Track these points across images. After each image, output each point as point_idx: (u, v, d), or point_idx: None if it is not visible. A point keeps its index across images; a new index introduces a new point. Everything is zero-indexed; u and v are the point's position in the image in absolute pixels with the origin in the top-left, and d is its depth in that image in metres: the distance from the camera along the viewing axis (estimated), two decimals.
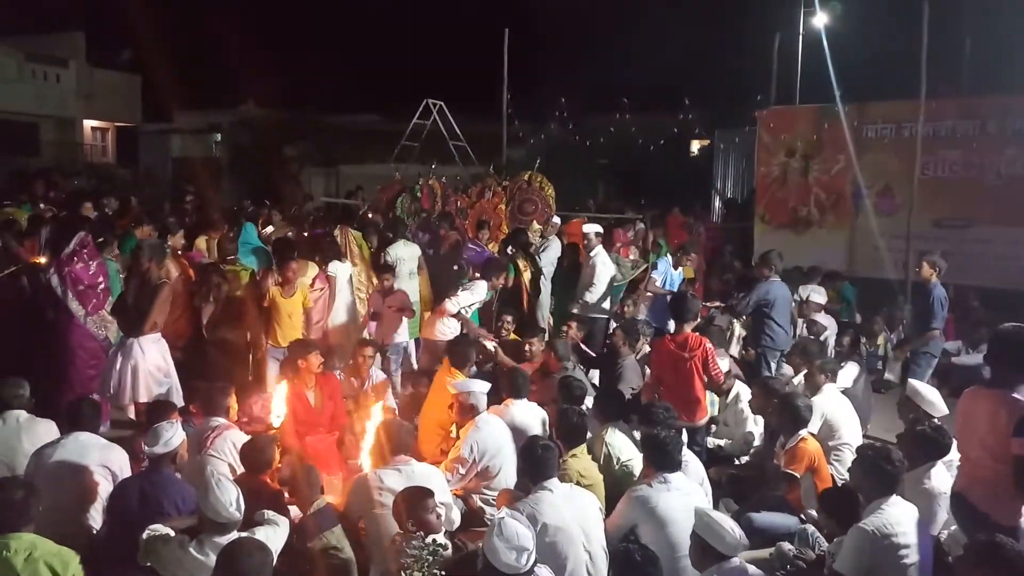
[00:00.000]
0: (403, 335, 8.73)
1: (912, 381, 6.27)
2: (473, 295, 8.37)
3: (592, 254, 9.56)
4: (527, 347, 7.65)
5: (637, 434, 5.89)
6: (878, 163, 12.20)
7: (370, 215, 12.79)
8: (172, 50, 19.39)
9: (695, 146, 25.95)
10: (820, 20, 14.28)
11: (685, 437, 6.12)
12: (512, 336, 8.26)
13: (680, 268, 10.66)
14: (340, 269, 8.61)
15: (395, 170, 14.06)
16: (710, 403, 6.87)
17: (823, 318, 9.74)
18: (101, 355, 7.09)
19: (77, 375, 7.01)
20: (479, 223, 11.06)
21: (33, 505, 3.96)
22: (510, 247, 9.84)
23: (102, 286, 7.24)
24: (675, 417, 5.71)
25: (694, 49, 21.48)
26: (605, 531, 4.70)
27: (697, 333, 6.71)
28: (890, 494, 4.45)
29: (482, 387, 5.98)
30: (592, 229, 9.85)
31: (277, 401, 6.11)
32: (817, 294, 10.03)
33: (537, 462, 4.71)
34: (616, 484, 5.45)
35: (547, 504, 4.53)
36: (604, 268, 9.48)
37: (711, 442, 6.95)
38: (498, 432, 5.82)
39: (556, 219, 11.23)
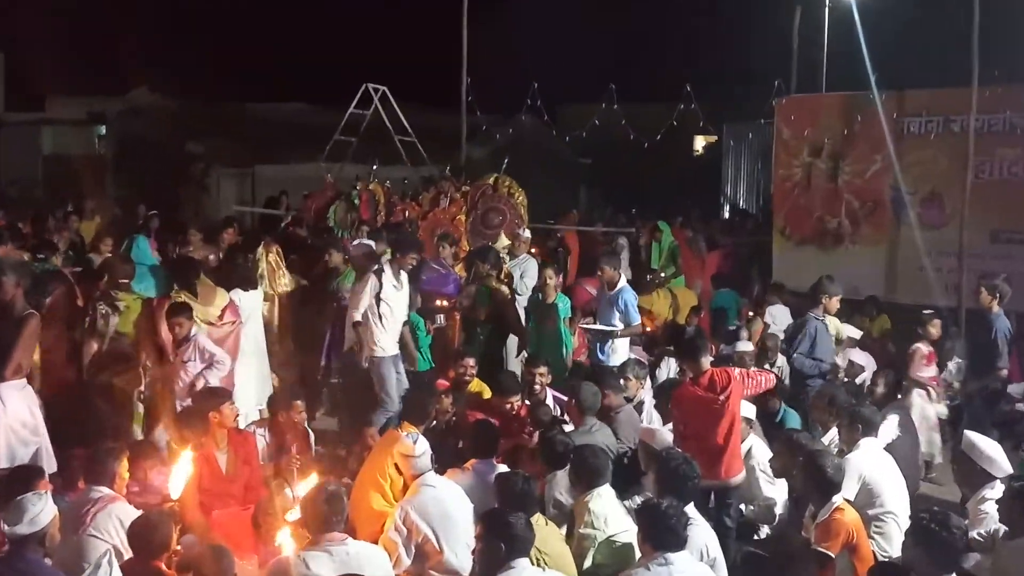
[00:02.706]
0: None
1: (969, 433, 6.33)
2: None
3: (512, 264, 9.95)
4: (505, 405, 7.70)
5: (634, 501, 5.90)
6: (922, 163, 12.42)
7: (294, 228, 12.75)
8: (45, 22, 19.21)
9: (699, 143, 26.27)
10: None
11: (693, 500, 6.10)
12: (475, 385, 8.27)
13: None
14: (244, 298, 8.63)
15: (326, 171, 14.04)
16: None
17: (859, 356, 9.85)
18: None
19: None
20: (440, 236, 11.01)
21: None
22: (484, 264, 9.86)
23: None
24: (697, 474, 5.72)
25: (697, 25, 21.84)
26: None
27: (720, 368, 6.79)
28: (951, 572, 4.47)
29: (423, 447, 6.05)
30: (527, 234, 10.44)
31: (179, 466, 6.02)
32: (850, 327, 10.15)
33: (510, 538, 4.75)
34: (606, 563, 5.44)
35: None
36: (530, 281, 9.79)
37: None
38: (445, 499, 5.85)
39: (526, 232, 11.27)
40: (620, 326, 9.12)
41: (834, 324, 9.37)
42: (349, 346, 8.74)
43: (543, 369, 8.22)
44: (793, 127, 13.71)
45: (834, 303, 8.93)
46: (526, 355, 9.66)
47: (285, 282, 9.40)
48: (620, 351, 9.18)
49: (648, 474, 6.21)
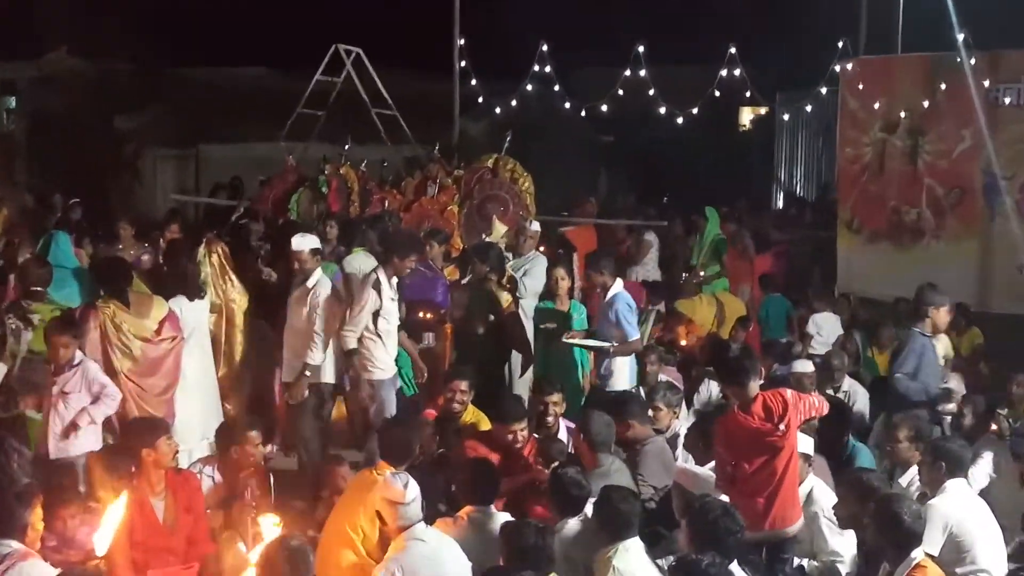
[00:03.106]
0: None
1: None
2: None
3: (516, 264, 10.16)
4: (508, 436, 7.67)
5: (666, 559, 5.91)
6: (1022, 141, 12.44)
7: (247, 221, 12.75)
8: None
9: (746, 116, 26.27)
10: None
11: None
12: (470, 414, 8.28)
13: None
14: (188, 308, 8.65)
15: (287, 152, 14.07)
16: None
17: (953, 379, 9.84)
18: None
19: None
20: (427, 232, 11.05)
21: None
22: (483, 264, 9.90)
23: None
24: (740, 527, 5.72)
25: None
26: None
27: (772, 391, 6.80)
28: None
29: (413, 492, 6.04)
30: (534, 227, 10.64)
31: (107, 515, 6.03)
32: (938, 344, 10.17)
33: None
34: None
35: None
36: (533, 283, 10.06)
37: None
38: (440, 557, 5.87)
39: (535, 225, 11.27)
40: (615, 343, 9.18)
41: (944, 344, 9.39)
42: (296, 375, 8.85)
43: (556, 397, 8.20)
44: (862, 96, 13.75)
45: (942, 316, 8.88)
46: (533, 378, 9.68)
47: (234, 289, 9.40)
48: (619, 374, 9.23)
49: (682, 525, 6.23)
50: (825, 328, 11.94)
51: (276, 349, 9.46)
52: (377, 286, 8.86)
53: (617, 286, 9.35)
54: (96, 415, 7.62)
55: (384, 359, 9.01)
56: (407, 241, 9.49)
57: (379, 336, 8.92)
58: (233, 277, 9.38)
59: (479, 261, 9.98)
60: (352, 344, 8.85)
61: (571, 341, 9.58)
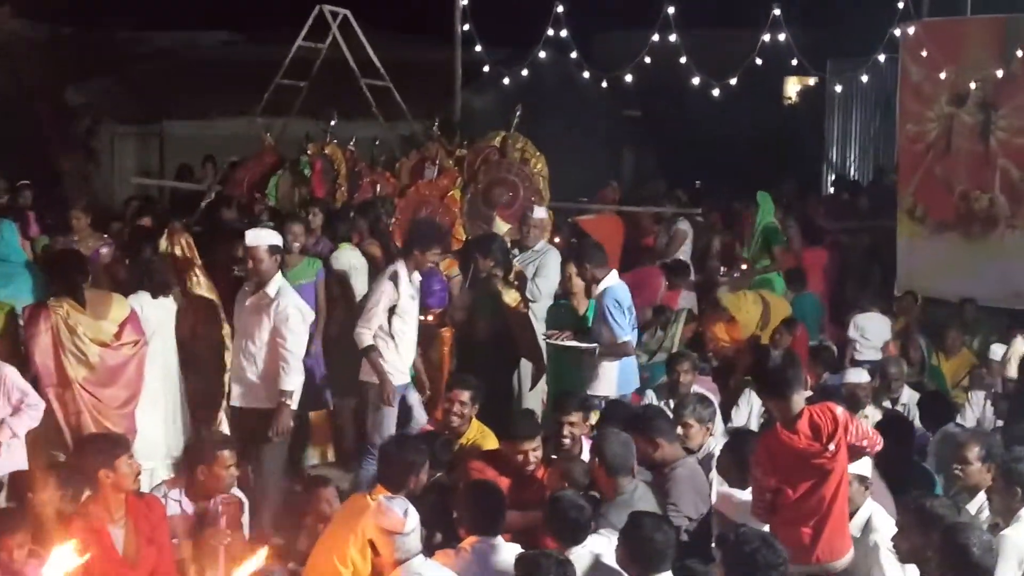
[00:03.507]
0: None
1: None
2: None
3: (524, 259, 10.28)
4: (519, 456, 7.66)
5: None
6: None
7: (220, 209, 12.76)
8: None
9: (792, 87, 26.25)
10: None
11: None
12: (474, 430, 8.29)
13: None
14: (151, 307, 8.67)
15: (264, 129, 14.08)
16: None
17: None
18: None
19: None
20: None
21: None
22: (485, 258, 9.93)
23: None
24: (782, 560, 5.72)
25: None
26: None
27: (819, 405, 6.79)
28: None
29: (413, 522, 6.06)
30: (539, 215, 10.74)
31: (58, 545, 6.04)
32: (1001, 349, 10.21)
33: None
34: None
35: None
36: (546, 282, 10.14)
37: None
38: None
39: (538, 212, 11.25)
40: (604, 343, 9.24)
41: None
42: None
43: (575, 416, 8.12)
44: (926, 64, 13.73)
45: None
46: (546, 391, 9.69)
47: (200, 286, 9.41)
48: (604, 379, 9.25)
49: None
50: (870, 330, 11.95)
51: None
52: (395, 278, 8.96)
53: (610, 279, 9.36)
54: (17, 428, 7.61)
55: (396, 363, 9.10)
56: (429, 231, 9.54)
57: (392, 337, 9.03)
58: (199, 273, 9.39)
59: (481, 255, 10.01)
60: (368, 340, 8.94)
61: (553, 341, 9.62)
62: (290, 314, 8.58)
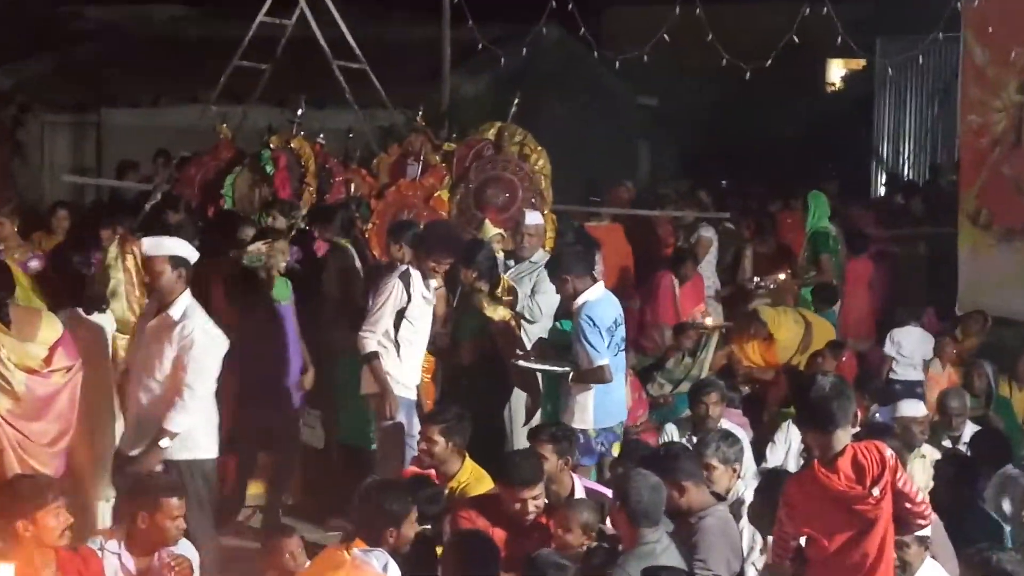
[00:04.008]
0: None
1: None
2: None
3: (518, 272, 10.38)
4: (516, 504, 7.65)
5: None
6: None
7: (167, 211, 12.79)
8: None
9: (836, 71, 26.27)
10: None
11: None
12: (468, 474, 8.31)
13: None
14: (83, 326, 8.70)
15: (220, 119, 14.11)
16: None
17: None
18: None
19: None
20: (401, 226, 11.11)
21: None
22: (468, 269, 9.99)
23: None
24: None
25: None
26: None
27: (865, 442, 6.80)
28: None
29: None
30: (534, 220, 10.84)
31: None
32: None
33: None
34: None
35: None
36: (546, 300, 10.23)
37: None
38: None
39: (535, 217, 11.37)
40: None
41: None
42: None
43: (546, 449, 8.08)
44: (992, 45, 13.76)
45: None
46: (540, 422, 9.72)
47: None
48: (579, 409, 9.32)
49: None
50: (907, 346, 12.01)
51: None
52: (406, 278, 9.08)
53: (590, 292, 9.44)
54: None
55: (403, 374, 9.21)
56: (447, 238, 9.62)
57: (398, 344, 9.14)
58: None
59: (464, 265, 10.01)
60: (372, 347, 9.05)
61: (523, 364, 9.72)
62: (196, 340, 8.23)
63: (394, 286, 9.10)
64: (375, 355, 9.08)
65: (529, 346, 10.12)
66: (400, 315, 9.09)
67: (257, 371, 9.90)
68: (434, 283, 9.62)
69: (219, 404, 8.63)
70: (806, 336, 12.37)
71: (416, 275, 9.18)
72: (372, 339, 9.08)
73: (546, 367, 9.44)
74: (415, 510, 7.05)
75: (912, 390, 11.35)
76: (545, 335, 10.33)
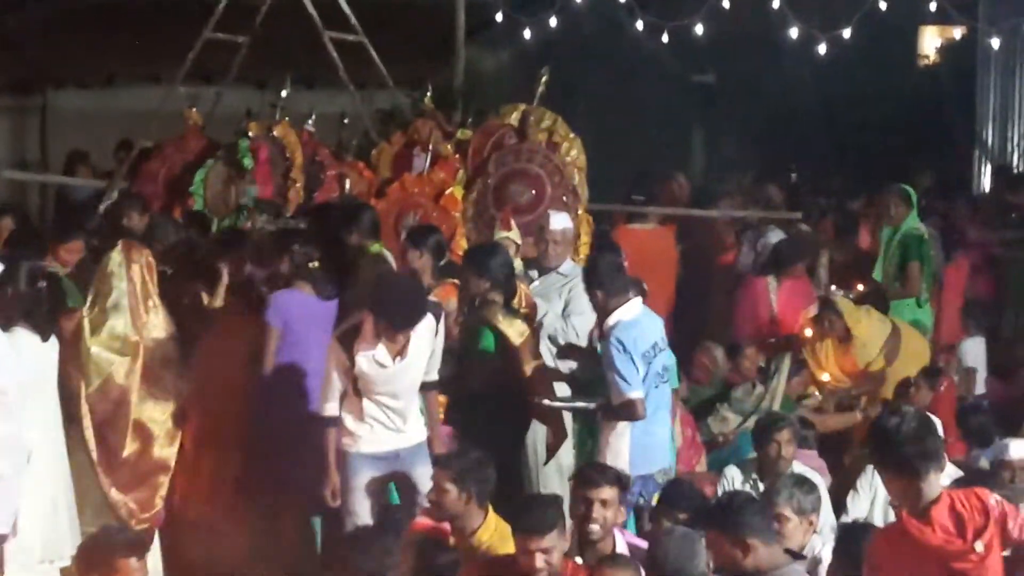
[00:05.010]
0: None
1: None
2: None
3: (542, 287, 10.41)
4: (522, 557, 7.62)
5: None
6: None
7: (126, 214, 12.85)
8: None
9: (929, 42, 26.30)
10: None
11: None
12: (490, 531, 8.27)
13: None
14: (31, 349, 8.73)
15: (188, 102, 14.18)
16: None
17: None
18: None
19: None
20: (413, 231, 11.16)
21: None
22: (480, 279, 10.02)
23: None
24: None
25: None
26: None
27: (964, 490, 6.80)
28: None
29: None
30: (560, 224, 10.88)
31: None
32: None
33: None
34: None
35: None
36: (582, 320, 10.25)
37: None
38: None
39: (562, 220, 11.35)
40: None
41: None
42: None
43: (608, 493, 8.09)
44: None
45: None
46: (572, 465, 9.76)
47: (156, 322, 9.54)
48: (613, 449, 9.34)
49: None
50: (970, 355, 12.04)
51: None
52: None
53: (627, 309, 9.48)
54: None
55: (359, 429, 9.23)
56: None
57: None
58: (158, 303, 9.52)
59: (474, 274, 10.08)
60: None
61: (548, 403, 9.78)
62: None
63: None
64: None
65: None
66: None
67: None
68: (448, 302, 9.75)
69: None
70: (891, 339, 12.38)
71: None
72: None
73: (569, 404, 9.44)
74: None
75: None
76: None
